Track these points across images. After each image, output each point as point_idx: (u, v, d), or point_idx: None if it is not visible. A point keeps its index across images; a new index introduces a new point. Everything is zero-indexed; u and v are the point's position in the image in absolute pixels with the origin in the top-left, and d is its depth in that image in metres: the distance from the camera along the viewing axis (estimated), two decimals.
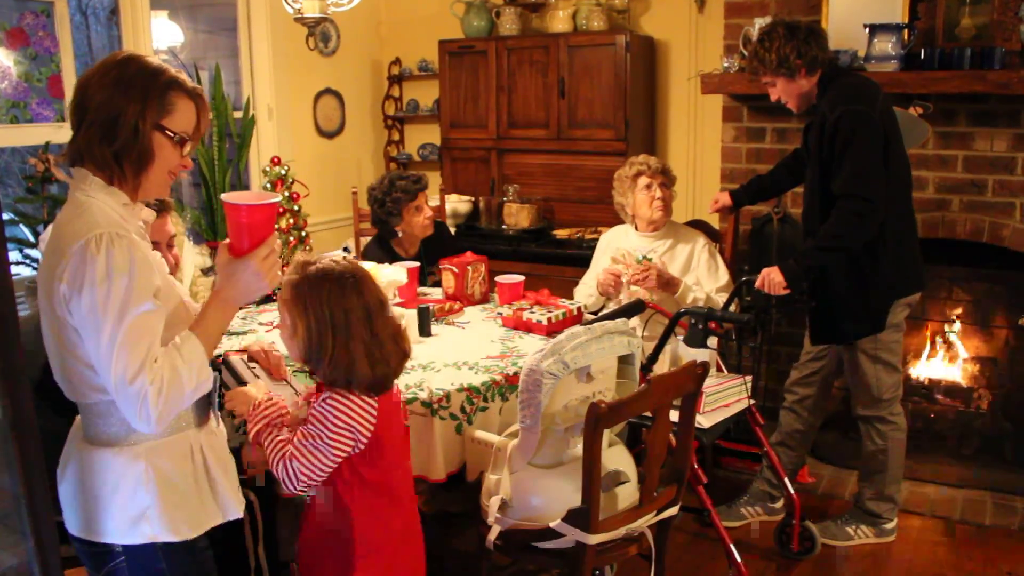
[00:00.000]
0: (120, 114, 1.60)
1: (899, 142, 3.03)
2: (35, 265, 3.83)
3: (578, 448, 2.29)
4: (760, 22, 3.79)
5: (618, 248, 3.55)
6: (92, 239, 1.53)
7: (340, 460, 1.90)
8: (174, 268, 2.76)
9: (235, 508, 1.78)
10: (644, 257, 3.43)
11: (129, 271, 1.54)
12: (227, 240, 1.73)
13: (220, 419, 1.90)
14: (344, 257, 2.02)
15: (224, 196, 1.73)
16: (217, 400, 1.85)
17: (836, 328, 3.13)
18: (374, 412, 1.91)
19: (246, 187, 4.96)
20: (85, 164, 1.63)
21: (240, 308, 1.80)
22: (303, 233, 4.21)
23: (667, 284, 3.38)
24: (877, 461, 3.22)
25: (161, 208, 2.69)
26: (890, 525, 3.30)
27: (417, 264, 3.50)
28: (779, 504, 3.46)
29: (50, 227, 3.42)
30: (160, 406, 1.54)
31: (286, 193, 4.40)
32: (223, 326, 1.72)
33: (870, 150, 2.88)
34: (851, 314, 3.08)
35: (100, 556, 1.71)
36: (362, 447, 1.91)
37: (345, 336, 1.86)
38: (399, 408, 2.06)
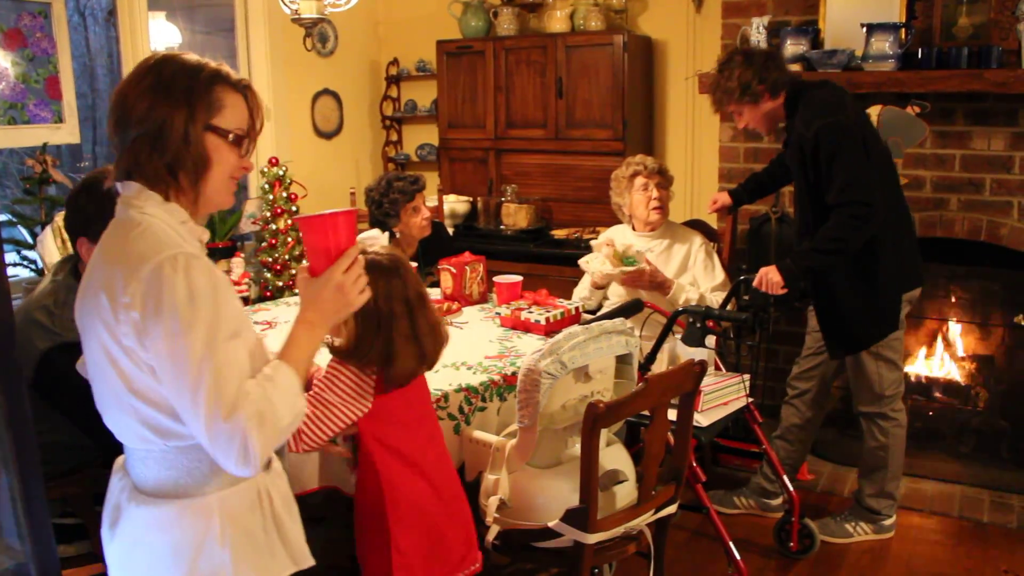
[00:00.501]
0: (166, 121, 1.44)
1: (877, 142, 3.06)
2: (32, 267, 3.83)
3: (576, 448, 2.29)
4: (758, 22, 3.80)
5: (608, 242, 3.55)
6: (166, 261, 1.37)
7: (343, 424, 1.95)
8: None
9: (306, 555, 1.64)
10: (626, 255, 3.43)
11: (213, 296, 1.39)
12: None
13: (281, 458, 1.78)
14: (379, 243, 2.06)
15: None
16: None
17: (850, 337, 3.15)
18: (371, 384, 1.97)
19: (243, 188, 4.96)
20: (136, 180, 1.47)
21: (328, 330, 1.61)
22: (301, 234, 4.23)
23: (659, 286, 3.40)
24: (878, 458, 3.23)
25: None
26: (889, 522, 3.31)
27: (415, 264, 3.49)
28: (776, 502, 3.46)
29: (47, 229, 3.45)
30: (260, 443, 1.37)
31: (284, 194, 4.39)
32: (312, 352, 1.57)
33: (855, 157, 2.90)
34: (861, 320, 3.09)
35: None
36: (364, 412, 1.97)
37: (389, 328, 1.93)
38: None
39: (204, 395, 1.35)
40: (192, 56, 1.52)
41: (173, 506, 1.48)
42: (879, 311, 3.08)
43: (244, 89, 1.54)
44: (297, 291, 1.60)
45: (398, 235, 3.77)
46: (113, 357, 1.42)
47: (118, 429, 1.50)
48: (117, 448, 1.65)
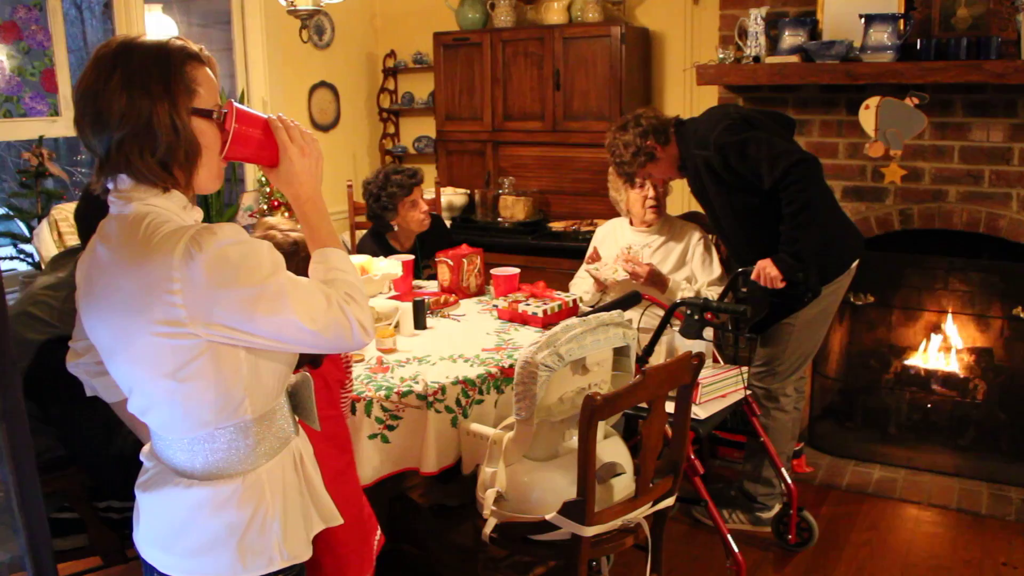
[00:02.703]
0: (152, 117, 1.37)
1: (776, 133, 3.09)
2: (29, 260, 3.82)
3: (573, 440, 2.29)
4: (756, 12, 3.78)
5: (622, 250, 3.55)
6: (191, 240, 1.34)
7: None
8: None
9: (335, 513, 1.66)
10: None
11: (246, 239, 1.39)
12: (256, 167, 1.55)
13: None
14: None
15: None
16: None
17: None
18: None
19: (240, 182, 4.95)
20: (130, 179, 1.42)
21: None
22: (298, 226, 4.23)
23: (656, 281, 3.40)
24: (758, 441, 3.22)
25: None
26: (767, 515, 3.30)
27: (412, 257, 3.49)
28: (768, 515, 3.34)
29: (44, 222, 3.44)
30: (363, 312, 1.44)
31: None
32: (328, 221, 1.57)
33: (761, 136, 2.95)
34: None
35: None
36: None
37: None
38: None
39: (300, 314, 1.36)
40: (149, 38, 1.43)
41: (227, 485, 1.47)
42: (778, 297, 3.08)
43: (208, 60, 1.48)
44: (277, 189, 1.57)
45: (396, 228, 3.76)
46: (166, 351, 1.38)
47: (163, 422, 1.48)
48: (87, 448, 1.62)
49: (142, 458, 1.58)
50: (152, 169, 1.39)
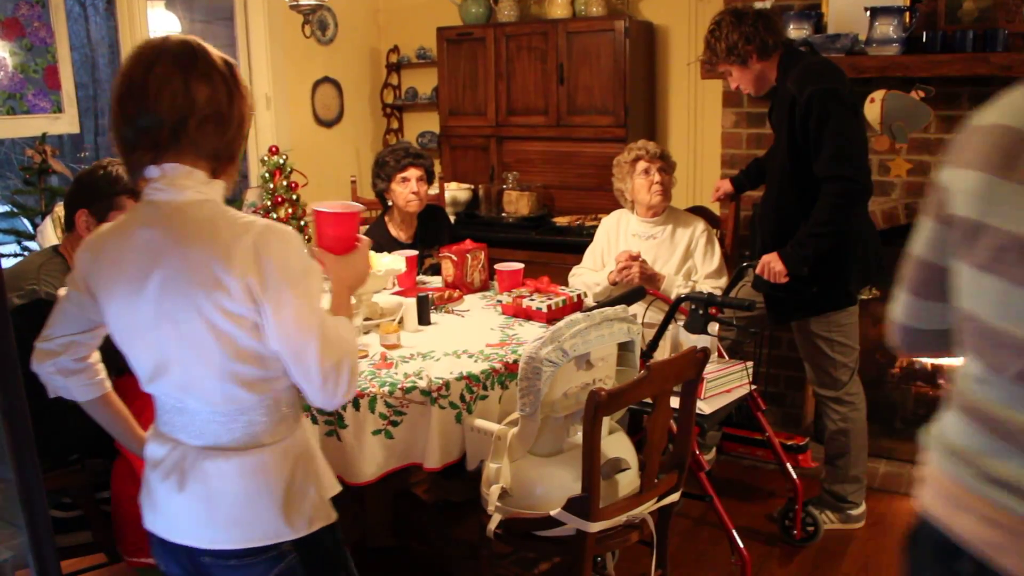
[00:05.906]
0: (229, 101, 1.51)
1: (863, 127, 3.03)
2: None
3: (578, 436, 2.28)
4: (761, 6, 3.76)
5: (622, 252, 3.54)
6: (266, 229, 1.46)
7: None
8: None
9: (335, 482, 1.72)
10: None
11: (308, 256, 1.54)
12: (318, 247, 1.77)
13: None
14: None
15: (317, 207, 1.84)
16: None
17: (790, 305, 3.13)
18: None
19: (244, 176, 4.95)
20: (187, 163, 1.49)
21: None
22: (302, 223, 4.23)
23: (649, 279, 3.39)
24: (839, 443, 3.22)
25: None
26: (857, 512, 3.29)
27: (415, 252, 3.49)
28: (859, 512, 3.33)
29: (47, 219, 3.43)
30: (355, 379, 1.55)
31: (284, 183, 4.38)
32: (350, 303, 1.74)
33: (846, 127, 2.86)
34: (809, 294, 3.07)
35: (268, 562, 1.56)
36: None
37: None
38: None
39: (319, 344, 1.47)
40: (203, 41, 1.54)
41: (268, 452, 1.55)
42: (830, 289, 3.06)
43: None
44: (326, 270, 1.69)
45: (390, 203, 3.80)
46: (218, 327, 1.46)
47: (204, 396, 1.52)
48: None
49: (150, 448, 1.60)
50: (219, 151, 1.51)
